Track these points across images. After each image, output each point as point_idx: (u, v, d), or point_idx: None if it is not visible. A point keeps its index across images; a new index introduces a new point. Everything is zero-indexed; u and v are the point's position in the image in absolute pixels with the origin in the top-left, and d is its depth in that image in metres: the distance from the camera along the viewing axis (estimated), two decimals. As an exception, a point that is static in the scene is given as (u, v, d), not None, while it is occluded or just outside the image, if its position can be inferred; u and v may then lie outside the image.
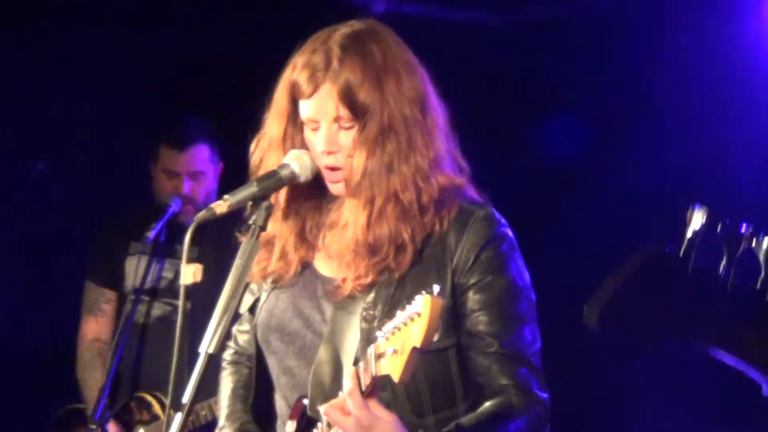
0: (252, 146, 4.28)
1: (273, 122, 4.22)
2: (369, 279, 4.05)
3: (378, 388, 3.77)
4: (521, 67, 8.83)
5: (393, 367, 3.55)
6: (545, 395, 4.02)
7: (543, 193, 8.49)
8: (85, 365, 7.36)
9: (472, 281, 4.04)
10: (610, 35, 8.58)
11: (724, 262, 2.04)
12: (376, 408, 3.73)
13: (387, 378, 3.63)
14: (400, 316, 3.56)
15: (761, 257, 2.05)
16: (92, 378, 7.23)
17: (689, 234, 2.05)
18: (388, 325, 3.60)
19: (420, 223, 4.04)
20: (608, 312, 1.97)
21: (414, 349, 3.48)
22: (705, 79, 8.08)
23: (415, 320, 3.50)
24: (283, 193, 4.17)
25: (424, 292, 3.48)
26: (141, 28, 8.63)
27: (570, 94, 8.65)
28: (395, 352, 3.54)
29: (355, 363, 3.94)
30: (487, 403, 3.99)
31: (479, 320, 4.03)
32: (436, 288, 3.49)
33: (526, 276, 4.13)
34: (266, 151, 4.23)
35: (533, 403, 3.98)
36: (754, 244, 2.07)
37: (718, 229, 2.06)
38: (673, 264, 2.06)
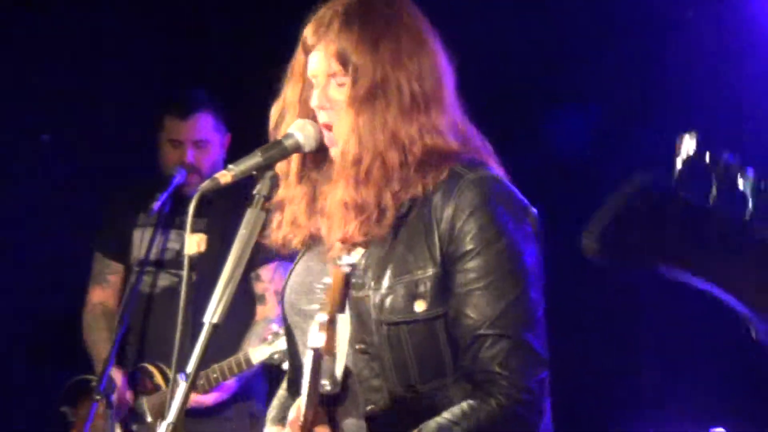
0: (272, 110, 4.18)
1: (289, 84, 4.15)
2: (356, 238, 3.93)
3: (323, 420, 3.87)
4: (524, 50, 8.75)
5: (318, 340, 3.76)
6: (540, 380, 3.84)
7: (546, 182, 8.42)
8: (89, 327, 7.31)
9: (461, 251, 3.87)
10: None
11: (713, 192, 2.01)
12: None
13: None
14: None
15: (748, 190, 2.02)
16: (98, 338, 7.18)
17: (679, 163, 2.03)
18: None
19: (405, 183, 3.92)
20: (604, 241, 1.82)
21: (321, 324, 3.74)
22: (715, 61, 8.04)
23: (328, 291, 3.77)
24: (293, 161, 4.08)
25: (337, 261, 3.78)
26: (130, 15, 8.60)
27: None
28: (320, 325, 3.77)
29: (351, 338, 3.96)
30: (462, 405, 3.83)
31: (468, 295, 3.85)
32: (344, 260, 3.80)
33: (525, 242, 3.93)
34: (283, 114, 4.13)
35: (524, 392, 3.80)
36: (741, 176, 2.05)
37: (707, 159, 2.02)
38: (663, 193, 2.03)
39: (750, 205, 2.00)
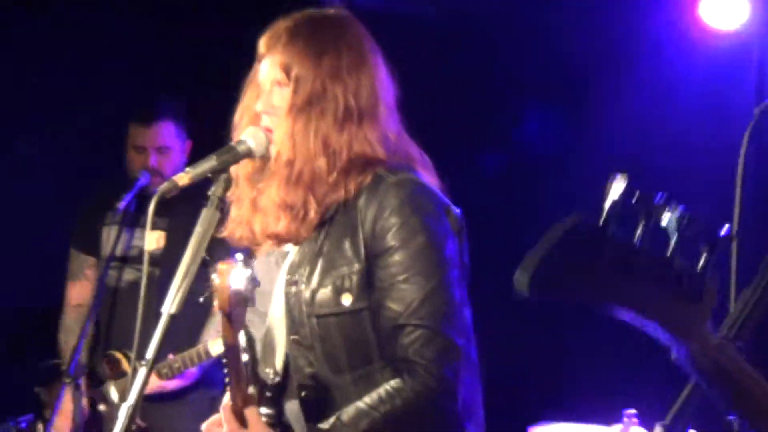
0: (236, 113, 4.35)
1: (247, 90, 4.33)
2: (283, 236, 4.13)
3: (253, 401, 3.98)
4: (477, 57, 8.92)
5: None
6: (455, 365, 3.99)
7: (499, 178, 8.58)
8: (67, 329, 7.39)
9: (383, 247, 4.03)
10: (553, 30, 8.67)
11: (639, 231, 2.02)
12: (249, 415, 3.95)
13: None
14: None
15: (671, 226, 2.07)
16: (72, 341, 7.19)
17: (607, 204, 2.04)
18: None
19: (330, 187, 4.07)
20: (535, 280, 1.97)
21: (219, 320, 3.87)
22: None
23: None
24: (245, 165, 4.20)
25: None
26: (130, 15, 8.63)
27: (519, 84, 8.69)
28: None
29: (288, 329, 4.15)
30: (384, 388, 3.99)
31: (390, 289, 4.01)
32: (240, 258, 3.81)
33: (443, 237, 4.10)
34: (241, 116, 4.31)
35: (439, 381, 3.95)
36: (665, 213, 2.09)
37: (634, 199, 2.04)
38: (592, 233, 2.03)
39: (674, 241, 2.07)
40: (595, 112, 8.44)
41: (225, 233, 4.27)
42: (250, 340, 4.03)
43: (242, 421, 3.94)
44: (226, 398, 4.01)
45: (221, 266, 3.80)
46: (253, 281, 3.87)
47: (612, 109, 8.40)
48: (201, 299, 4.02)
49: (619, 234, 2.06)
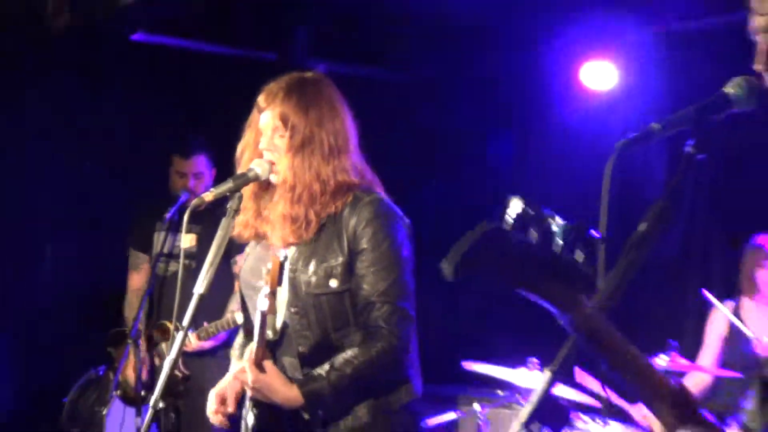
0: (238, 147, 4.41)
1: (247, 131, 4.38)
2: (290, 239, 4.18)
3: (266, 351, 4.05)
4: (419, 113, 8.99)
5: (263, 304, 3.94)
6: (408, 330, 4.13)
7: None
8: (130, 305, 7.42)
9: (360, 247, 4.13)
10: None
11: (533, 234, 2.07)
12: (267, 366, 4.02)
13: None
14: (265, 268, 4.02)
15: (557, 231, 2.12)
16: (132, 310, 7.28)
17: (509, 217, 2.11)
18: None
19: (323, 205, 4.17)
20: (456, 267, 2.02)
21: (267, 294, 3.92)
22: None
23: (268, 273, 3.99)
24: (252, 186, 4.28)
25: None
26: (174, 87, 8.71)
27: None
28: (265, 295, 3.95)
29: (289, 303, 4.18)
30: (358, 345, 4.11)
31: (364, 276, 4.12)
32: (283, 253, 4.04)
33: (402, 241, 4.21)
34: (243, 151, 4.38)
35: (396, 340, 4.09)
36: (552, 222, 2.13)
37: (528, 213, 2.10)
38: (502, 234, 2.09)
39: (558, 241, 2.13)
40: (512, 150, 8.51)
41: (233, 233, 4.33)
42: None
43: (261, 369, 4.00)
44: (247, 353, 4.09)
45: (274, 257, 4.00)
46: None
47: (522, 146, 8.47)
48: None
49: (520, 236, 2.12)
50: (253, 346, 4.04)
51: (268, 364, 4.03)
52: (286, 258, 4.11)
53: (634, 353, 2.33)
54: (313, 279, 4.14)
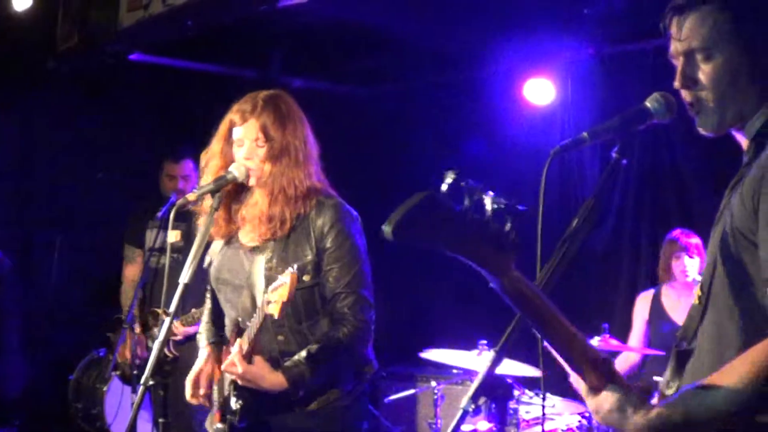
0: (202, 156, 4.45)
1: (215, 142, 4.38)
2: (266, 237, 4.20)
3: (259, 345, 4.07)
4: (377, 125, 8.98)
5: (273, 310, 3.84)
6: (370, 315, 4.21)
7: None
8: (125, 292, 7.39)
9: (326, 245, 4.19)
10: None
11: (466, 202, 2.11)
12: (257, 359, 4.05)
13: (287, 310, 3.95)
14: (278, 280, 3.85)
15: (488, 202, 2.15)
16: (127, 298, 7.25)
17: (444, 187, 2.14)
18: (273, 284, 3.89)
19: (295, 207, 4.19)
20: (397, 229, 2.02)
21: (284, 302, 3.80)
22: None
23: (283, 285, 3.81)
24: (226, 189, 4.27)
25: (290, 268, 3.84)
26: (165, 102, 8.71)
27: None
28: (275, 301, 3.83)
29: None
30: (330, 331, 4.17)
31: (331, 271, 4.18)
32: (296, 267, 3.86)
33: (359, 238, 4.25)
34: (210, 159, 4.39)
35: (361, 323, 4.17)
36: (484, 194, 2.16)
37: (462, 185, 2.14)
38: (439, 202, 2.09)
39: (489, 209, 2.14)
40: (464, 157, 8.52)
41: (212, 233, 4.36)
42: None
43: (249, 361, 4.04)
44: (235, 347, 4.08)
45: (291, 274, 3.84)
46: None
47: (473, 154, 8.47)
48: None
49: (455, 205, 2.12)
50: (245, 338, 4.06)
51: (256, 356, 4.06)
52: (248, 252, 4.14)
53: (559, 317, 2.32)
54: None
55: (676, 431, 2.35)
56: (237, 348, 4.06)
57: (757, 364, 2.27)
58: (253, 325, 4.01)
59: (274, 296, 3.85)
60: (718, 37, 2.57)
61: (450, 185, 2.14)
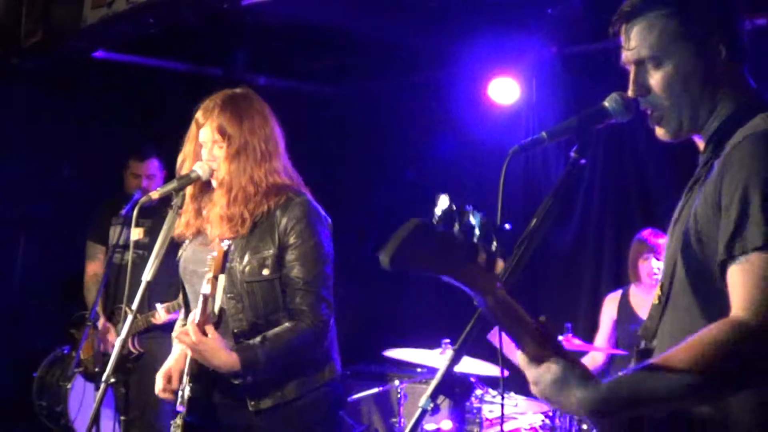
0: (179, 156, 4.43)
1: (187, 143, 4.40)
2: (227, 235, 4.16)
3: (210, 318, 4.03)
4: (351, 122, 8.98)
5: (205, 288, 3.96)
6: (328, 315, 4.21)
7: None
8: (88, 289, 7.35)
9: (290, 241, 4.19)
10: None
11: (456, 227, 2.10)
12: (209, 331, 4.02)
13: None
14: (212, 254, 3.98)
15: (476, 224, 2.16)
16: (91, 295, 7.21)
17: (437, 212, 2.15)
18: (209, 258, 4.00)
19: (257, 204, 4.20)
20: (393, 258, 2.04)
21: (212, 276, 3.93)
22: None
23: (213, 258, 3.94)
24: (193, 186, 4.32)
25: (222, 243, 3.94)
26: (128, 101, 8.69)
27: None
28: (207, 279, 3.97)
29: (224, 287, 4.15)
30: (286, 324, 4.16)
31: (292, 267, 4.18)
32: (228, 242, 3.95)
33: (325, 239, 4.27)
34: (183, 159, 4.40)
35: (318, 321, 4.17)
36: (472, 216, 2.17)
37: (453, 209, 2.15)
38: (430, 228, 2.11)
39: (477, 233, 2.15)
40: (430, 155, 8.54)
41: (175, 233, 4.37)
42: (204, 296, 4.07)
43: (204, 333, 4.00)
44: (191, 318, 4.07)
45: (219, 247, 3.96)
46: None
47: (439, 152, 8.49)
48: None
49: (446, 229, 2.14)
50: (194, 316, 4.05)
51: (210, 329, 4.03)
52: (229, 248, 4.08)
53: (534, 326, 2.36)
54: (248, 268, 4.18)
55: (621, 409, 2.34)
56: (191, 318, 4.06)
57: (714, 344, 2.26)
58: (199, 305, 4.01)
59: (209, 274, 3.94)
60: (667, 43, 2.58)
61: (443, 210, 2.16)
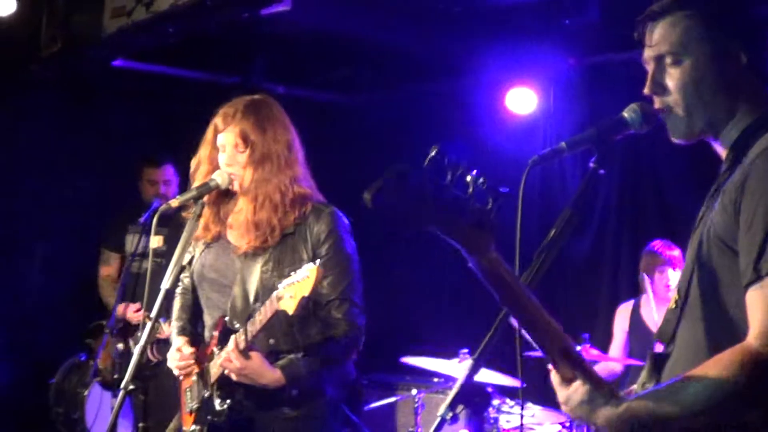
0: (192, 161, 4.44)
1: (202, 147, 4.40)
2: (256, 244, 4.20)
3: (256, 342, 4.06)
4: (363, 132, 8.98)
5: (288, 306, 3.81)
6: (362, 322, 4.23)
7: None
8: (102, 288, 7.51)
9: (322, 252, 4.17)
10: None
11: (449, 178, 2.08)
12: (253, 354, 4.05)
13: (282, 312, 3.90)
14: (296, 275, 3.82)
15: (471, 180, 2.12)
16: (107, 293, 7.40)
17: (426, 162, 2.09)
18: (286, 281, 3.85)
19: (284, 213, 4.19)
20: (377, 196, 2.00)
21: (303, 297, 3.79)
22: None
23: (305, 279, 3.77)
24: (212, 194, 4.29)
25: (312, 263, 3.82)
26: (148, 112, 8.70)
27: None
28: (291, 297, 3.81)
29: (255, 299, 4.18)
30: (323, 334, 4.20)
31: (326, 278, 4.15)
32: (318, 261, 3.83)
33: (353, 248, 4.28)
34: (198, 164, 4.41)
35: (353, 328, 4.20)
36: (467, 172, 2.14)
37: (445, 160, 2.10)
38: (420, 173, 2.06)
39: (470, 189, 2.12)
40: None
41: (195, 236, 4.38)
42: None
43: (246, 357, 4.04)
44: (231, 343, 4.07)
45: (316, 268, 3.83)
46: None
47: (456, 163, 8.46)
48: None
49: (436, 178, 2.09)
50: (238, 336, 4.06)
51: (253, 352, 4.07)
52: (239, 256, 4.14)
53: (535, 304, 2.31)
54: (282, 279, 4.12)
55: (642, 426, 2.38)
56: (233, 344, 4.06)
57: (724, 370, 2.30)
58: (257, 320, 4.00)
59: (289, 291, 3.86)
60: (687, 42, 2.58)
61: (432, 160, 2.10)
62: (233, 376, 4.08)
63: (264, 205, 4.18)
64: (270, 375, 4.06)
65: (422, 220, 2.08)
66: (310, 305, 4.14)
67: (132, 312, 6.95)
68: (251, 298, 4.21)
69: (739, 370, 2.28)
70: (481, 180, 2.15)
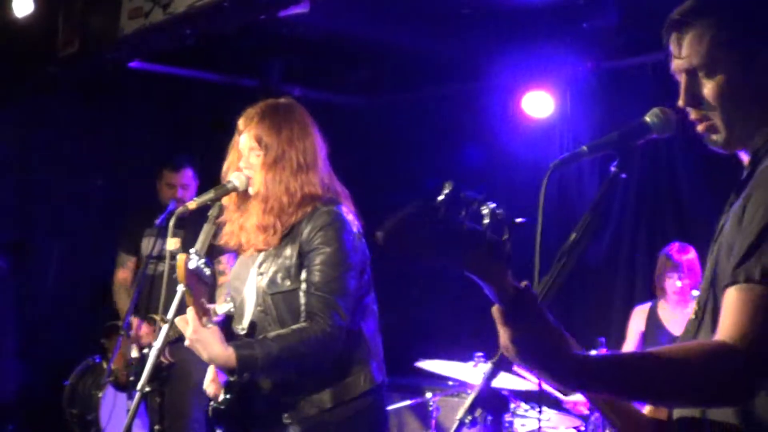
0: (224, 165, 4.43)
1: (231, 151, 4.41)
2: (260, 247, 4.24)
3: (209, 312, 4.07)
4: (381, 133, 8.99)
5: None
6: (340, 322, 4.09)
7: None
8: (117, 293, 7.48)
9: (311, 248, 4.14)
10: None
11: (463, 214, 2.05)
12: (212, 327, 4.04)
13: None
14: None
15: (486, 213, 2.10)
16: (121, 299, 7.39)
17: (441, 197, 2.06)
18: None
19: (289, 215, 4.19)
20: (390, 236, 1.99)
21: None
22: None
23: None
24: (232, 196, 4.32)
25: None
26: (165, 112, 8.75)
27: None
28: None
29: (255, 302, 4.23)
30: (296, 325, 4.11)
31: (311, 272, 4.12)
32: (192, 251, 4.02)
33: (350, 248, 4.19)
34: (228, 168, 4.40)
35: (330, 327, 4.06)
36: (482, 205, 2.11)
37: (461, 196, 2.08)
38: (433, 210, 2.04)
39: (485, 222, 2.09)
40: (464, 168, 8.51)
41: (221, 241, 4.38)
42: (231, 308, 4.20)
43: (204, 325, 4.02)
44: (190, 311, 4.03)
45: (180, 256, 3.98)
46: (204, 265, 4.08)
47: (473, 164, 8.47)
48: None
49: (450, 214, 2.06)
50: (212, 309, 4.10)
51: (212, 325, 4.04)
52: (252, 260, 4.15)
53: (551, 327, 2.22)
54: (269, 280, 4.19)
55: (593, 387, 2.33)
56: (190, 310, 4.05)
57: (690, 366, 2.24)
58: (182, 318, 4.04)
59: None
60: (718, 53, 2.51)
61: (448, 195, 2.08)
62: (186, 342, 4.06)
63: (273, 208, 4.18)
64: (219, 349, 3.98)
65: (435, 254, 2.06)
66: (300, 302, 4.13)
67: (143, 332, 6.95)
68: (246, 303, 4.27)
69: (722, 371, 2.23)
70: (499, 211, 2.12)
